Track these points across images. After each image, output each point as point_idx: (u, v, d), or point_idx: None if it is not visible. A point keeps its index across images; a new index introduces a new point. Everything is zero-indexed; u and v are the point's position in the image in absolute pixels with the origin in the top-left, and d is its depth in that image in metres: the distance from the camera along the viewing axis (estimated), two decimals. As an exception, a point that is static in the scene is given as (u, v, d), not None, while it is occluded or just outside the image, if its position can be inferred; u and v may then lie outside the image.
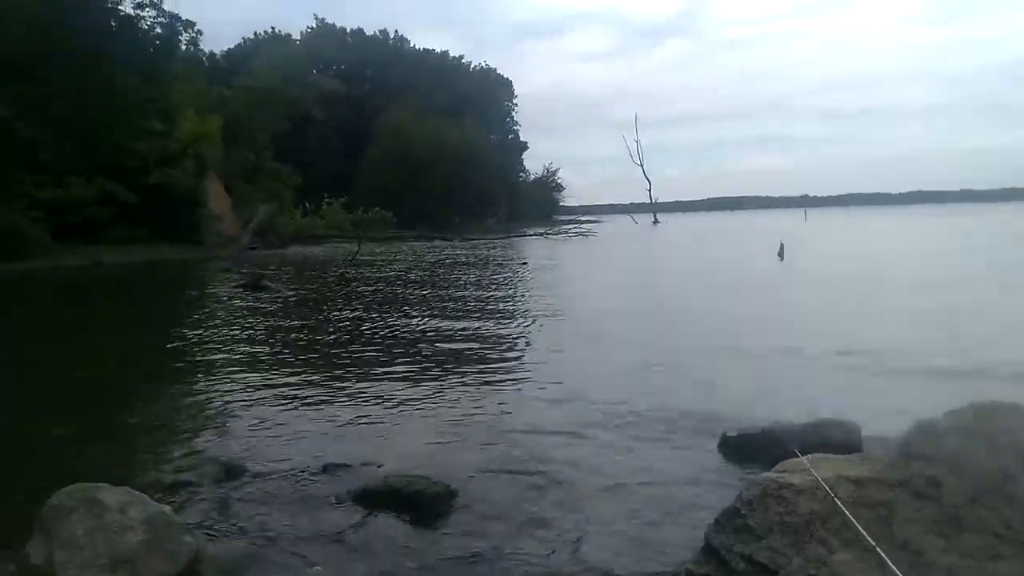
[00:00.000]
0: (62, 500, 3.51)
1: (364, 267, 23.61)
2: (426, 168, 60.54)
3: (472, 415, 6.23)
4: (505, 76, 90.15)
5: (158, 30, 33.16)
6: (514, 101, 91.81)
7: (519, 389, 7.18)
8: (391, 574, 3.54)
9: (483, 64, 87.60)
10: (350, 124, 65.16)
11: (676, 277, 19.75)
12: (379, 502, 4.27)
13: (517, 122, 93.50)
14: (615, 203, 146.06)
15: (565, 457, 5.06)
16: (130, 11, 31.58)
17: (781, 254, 23.06)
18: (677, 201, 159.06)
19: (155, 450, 5.58)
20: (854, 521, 2.76)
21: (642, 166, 79.18)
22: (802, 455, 3.34)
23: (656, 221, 71.63)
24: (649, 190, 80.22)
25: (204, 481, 4.68)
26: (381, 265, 24.77)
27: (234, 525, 4.04)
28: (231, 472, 4.84)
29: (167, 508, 3.50)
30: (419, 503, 4.23)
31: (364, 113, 65.41)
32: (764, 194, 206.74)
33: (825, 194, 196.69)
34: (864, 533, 2.67)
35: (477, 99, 77.67)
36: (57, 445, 5.65)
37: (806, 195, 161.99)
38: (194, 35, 36.61)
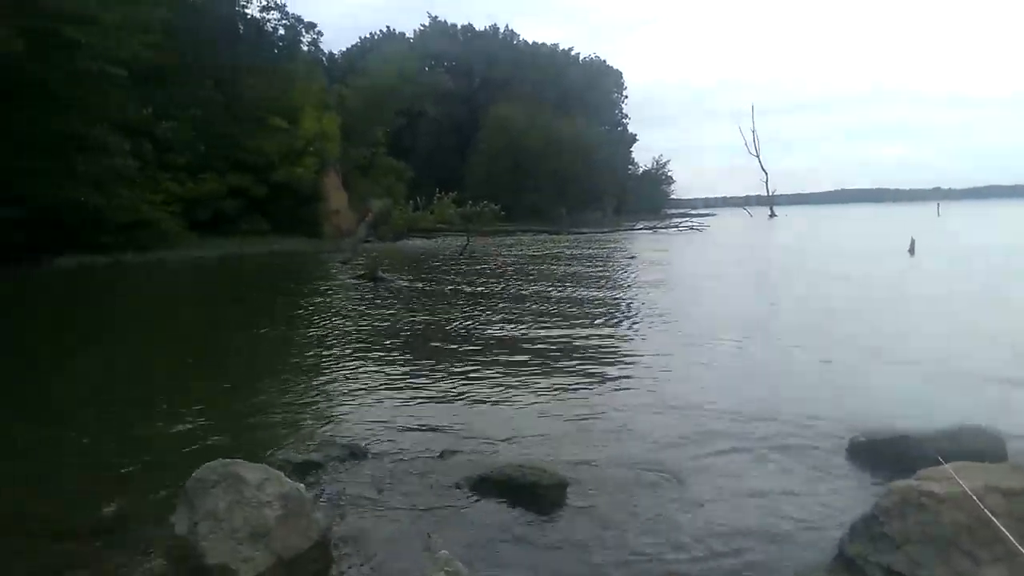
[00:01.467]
0: (205, 474, 3.75)
1: (473, 260, 24.00)
2: (534, 162, 60.77)
3: (585, 410, 6.20)
4: (614, 67, 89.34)
5: (281, 32, 35.00)
6: (623, 92, 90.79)
7: (633, 387, 7.07)
8: (507, 563, 3.58)
9: (592, 55, 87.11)
10: (460, 119, 66.36)
11: (793, 275, 18.92)
12: (495, 490, 4.33)
13: (626, 114, 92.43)
14: (729, 196, 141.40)
15: (683, 457, 4.95)
16: (256, 15, 33.53)
17: (912, 250, 21.63)
18: (796, 193, 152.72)
19: (282, 431, 5.88)
20: (1007, 534, 2.56)
21: (758, 156, 76.09)
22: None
23: (773, 214, 68.75)
24: (766, 182, 77.02)
25: (329, 462, 4.89)
26: (489, 258, 25.08)
27: (358, 505, 4.21)
28: (354, 454, 5.05)
29: (301, 486, 3.67)
30: (535, 494, 4.26)
31: (474, 108, 66.44)
32: (891, 186, 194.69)
33: (960, 186, 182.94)
34: (1021, 548, 2.47)
35: (586, 91, 77.20)
36: (193, 423, 6.05)
37: (938, 187, 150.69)
38: (315, 36, 38.42)
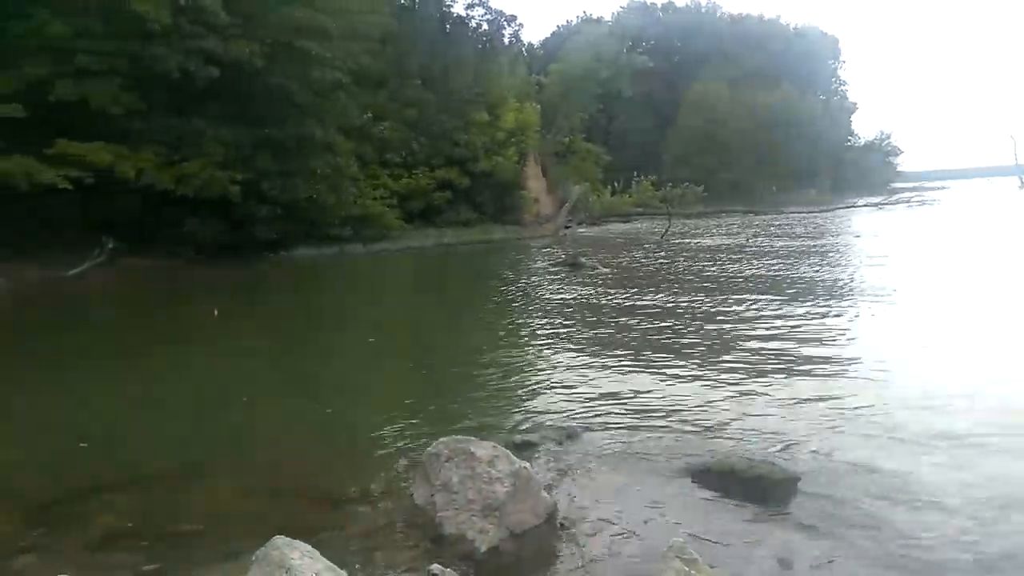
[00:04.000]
0: (439, 449, 4.03)
1: (674, 244, 23.46)
2: (738, 138, 57.94)
3: (811, 402, 5.86)
4: (830, 33, 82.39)
5: (484, 27, 36.28)
6: (840, 60, 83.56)
7: (863, 380, 6.56)
8: (735, 557, 3.48)
9: (804, 23, 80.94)
10: (659, 99, 64.86)
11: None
12: (719, 480, 4.24)
13: (844, 82, 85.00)
14: (969, 167, 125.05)
15: (925, 463, 4.51)
16: (462, 12, 35.06)
17: None
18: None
19: (498, 411, 6.16)
20: None
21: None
22: None
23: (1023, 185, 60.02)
24: (1015, 150, 67.23)
25: (546, 443, 5.05)
26: (691, 242, 24.38)
27: (579, 487, 4.30)
28: (570, 436, 5.17)
29: (528, 464, 3.83)
30: (762, 487, 4.10)
31: (674, 86, 64.62)
32: None
33: None
34: None
35: (796, 61, 72.00)
36: (414, 402, 6.49)
37: None
38: (516, 29, 39.40)
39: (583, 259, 17.93)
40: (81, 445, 5.51)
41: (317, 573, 2.60)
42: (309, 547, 2.76)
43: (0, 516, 4.08)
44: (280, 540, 2.70)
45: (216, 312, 11.78)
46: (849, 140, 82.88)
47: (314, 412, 6.37)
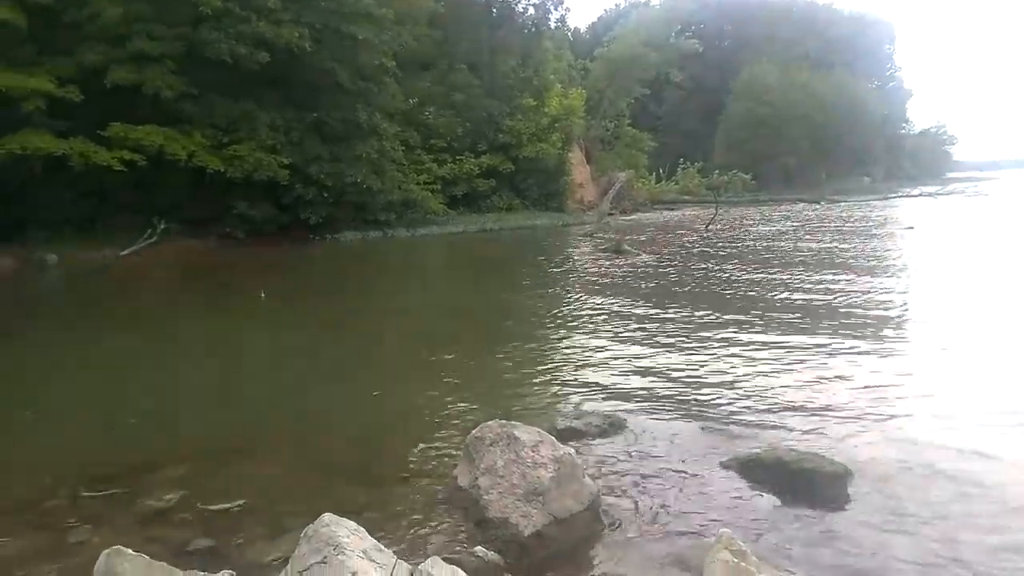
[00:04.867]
0: (483, 433, 4.02)
1: (721, 232, 23.07)
2: (789, 125, 56.59)
3: (865, 391, 5.71)
4: (884, 19, 79.94)
5: (531, 12, 36.01)
6: (895, 45, 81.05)
7: (921, 372, 6.36)
8: (783, 552, 3.41)
9: (858, 10, 78.68)
10: (707, 84, 63.72)
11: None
12: (766, 473, 4.14)
13: (899, 68, 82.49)
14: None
15: (988, 454, 4.35)
16: (508, -3, 34.84)
17: None
18: None
19: (540, 397, 6.13)
20: None
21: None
22: None
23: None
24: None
25: (590, 430, 5.00)
26: (739, 230, 23.95)
27: (623, 475, 4.26)
28: (614, 424, 5.11)
29: (572, 451, 3.79)
30: (811, 482, 3.99)
31: (723, 71, 63.37)
32: None
33: None
34: None
35: (850, 46, 69.97)
36: (458, 384, 6.49)
37: None
38: (563, 13, 39.03)
39: (627, 246, 17.76)
40: (131, 421, 5.66)
41: (365, 551, 2.61)
42: (356, 525, 2.78)
43: (56, 490, 4.22)
44: (329, 517, 2.72)
45: (263, 294, 11.98)
46: (904, 127, 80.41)
47: (358, 392, 6.44)
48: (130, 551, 2.69)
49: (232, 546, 3.49)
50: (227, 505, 3.93)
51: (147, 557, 2.71)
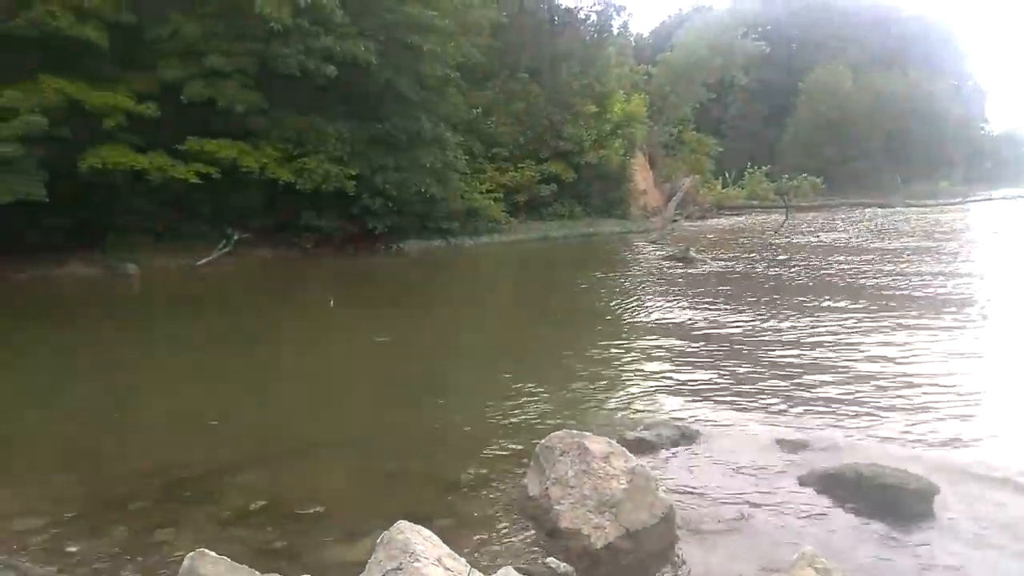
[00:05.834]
0: (553, 442, 3.99)
1: (792, 238, 22.46)
2: (861, 127, 54.80)
3: (953, 404, 5.44)
4: (956, 16, 76.72)
5: (593, 18, 35.89)
6: (970, 44, 77.69)
7: (1011, 386, 6.03)
8: (868, 572, 3.26)
9: (926, 7, 75.62)
10: (774, 86, 62.33)
11: None
12: (845, 490, 3.99)
13: (974, 66, 78.91)
14: None
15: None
16: (570, 3, 34.84)
17: None
18: None
19: (608, 407, 6.05)
20: None
21: None
22: None
23: None
24: None
25: (662, 442, 4.91)
26: (810, 237, 23.28)
27: (697, 488, 4.16)
28: (686, 436, 5.01)
29: (644, 463, 3.73)
30: (895, 499, 3.82)
31: (790, 73, 61.93)
32: None
33: None
34: None
35: (924, 45, 67.38)
36: (525, 392, 6.47)
37: None
38: (625, 19, 38.81)
39: (693, 253, 17.47)
40: (211, 423, 5.84)
41: (439, 559, 2.61)
42: (430, 532, 2.79)
43: (140, 491, 4.38)
44: (404, 524, 2.74)
45: (332, 301, 12.23)
46: (983, 128, 76.81)
47: (426, 400, 6.49)
48: (213, 554, 2.76)
49: (308, 549, 3.56)
50: (301, 508, 4.00)
51: (229, 560, 2.78)
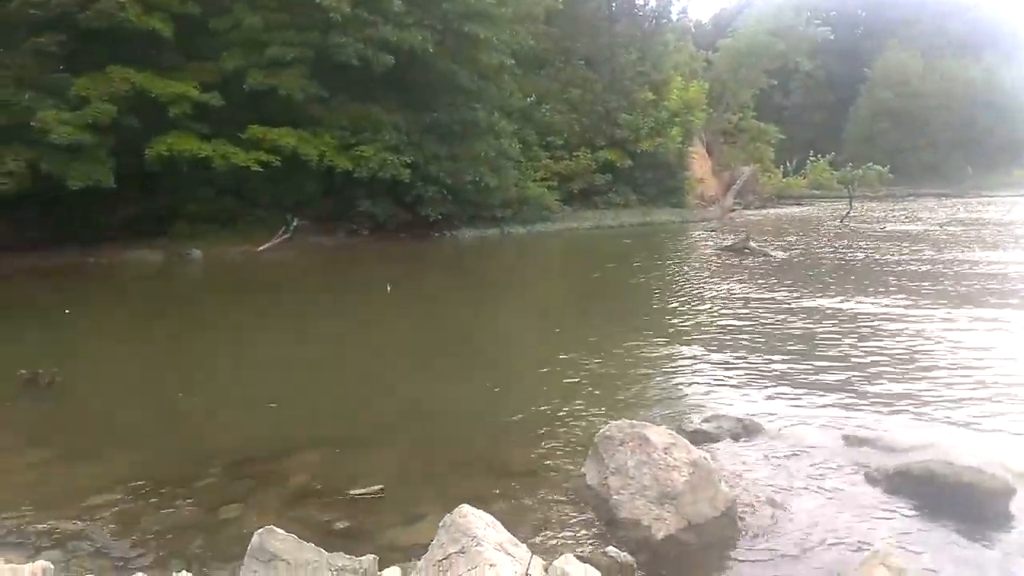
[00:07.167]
0: (613, 432, 3.95)
1: (856, 229, 21.77)
2: (931, 115, 52.70)
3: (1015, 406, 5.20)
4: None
5: (652, 4, 35.38)
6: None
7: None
8: (943, 572, 3.13)
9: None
10: (839, 73, 60.39)
11: None
12: (916, 488, 3.84)
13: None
14: None
15: None
16: (628, -10, 34.37)
17: None
18: None
19: (671, 396, 5.96)
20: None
21: None
22: None
23: None
24: None
25: (723, 435, 4.82)
26: (876, 228, 22.53)
27: (761, 482, 4.06)
28: (748, 429, 4.90)
29: (707, 454, 3.66)
30: (969, 498, 3.66)
31: (856, 59, 59.85)
32: None
33: None
34: None
35: (996, 31, 64.22)
36: (582, 381, 6.43)
37: None
38: (684, 5, 38.14)
39: (753, 243, 17.07)
40: (271, 406, 5.98)
41: (500, 544, 2.61)
42: (492, 518, 2.79)
43: (207, 470, 4.51)
44: (467, 508, 2.75)
45: (389, 287, 12.38)
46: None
47: (481, 387, 6.51)
48: (281, 531, 2.82)
49: (369, 530, 3.61)
50: (364, 490, 4.06)
51: (296, 538, 2.83)
